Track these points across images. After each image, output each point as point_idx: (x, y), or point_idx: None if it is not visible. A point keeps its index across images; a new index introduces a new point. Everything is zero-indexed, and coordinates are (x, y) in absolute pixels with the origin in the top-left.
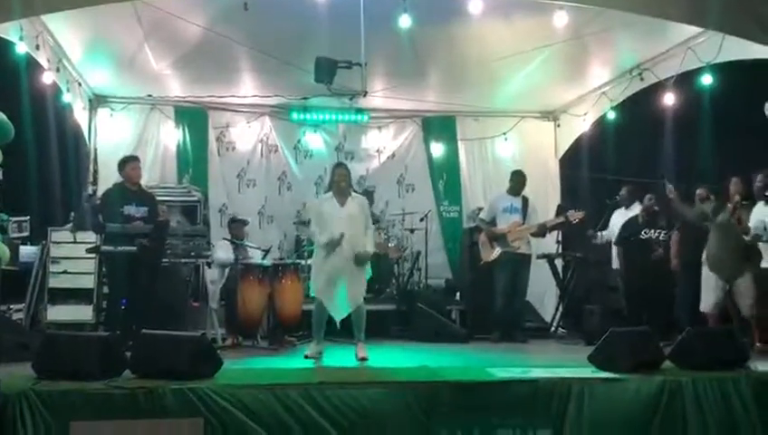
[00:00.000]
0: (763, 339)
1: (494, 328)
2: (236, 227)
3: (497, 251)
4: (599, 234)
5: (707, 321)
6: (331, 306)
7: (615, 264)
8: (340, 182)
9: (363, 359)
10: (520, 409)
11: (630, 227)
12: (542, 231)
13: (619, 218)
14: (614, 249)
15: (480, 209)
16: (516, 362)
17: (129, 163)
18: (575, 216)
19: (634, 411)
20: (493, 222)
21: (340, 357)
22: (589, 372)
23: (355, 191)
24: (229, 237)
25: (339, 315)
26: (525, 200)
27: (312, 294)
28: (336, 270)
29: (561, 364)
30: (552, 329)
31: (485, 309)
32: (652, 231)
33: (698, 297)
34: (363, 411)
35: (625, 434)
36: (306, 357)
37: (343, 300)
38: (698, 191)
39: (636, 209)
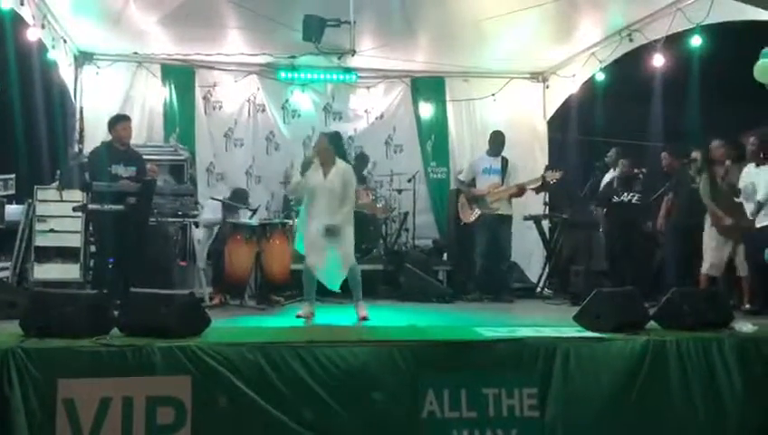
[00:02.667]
0: (752, 300)
1: (473, 288)
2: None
3: (476, 212)
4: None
5: (698, 283)
6: (322, 276)
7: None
8: (318, 154)
9: (364, 318)
10: (506, 367)
11: (607, 189)
12: (520, 192)
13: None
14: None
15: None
16: (503, 321)
17: (120, 123)
18: (552, 176)
19: (618, 371)
20: (472, 183)
21: (331, 317)
22: (574, 331)
23: (346, 160)
24: (220, 197)
25: (334, 285)
26: (505, 161)
27: (300, 250)
28: (321, 237)
29: (546, 324)
30: (539, 289)
31: (467, 269)
32: (625, 194)
33: (688, 260)
34: (351, 370)
35: (609, 393)
36: (298, 317)
37: (335, 268)
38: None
39: None
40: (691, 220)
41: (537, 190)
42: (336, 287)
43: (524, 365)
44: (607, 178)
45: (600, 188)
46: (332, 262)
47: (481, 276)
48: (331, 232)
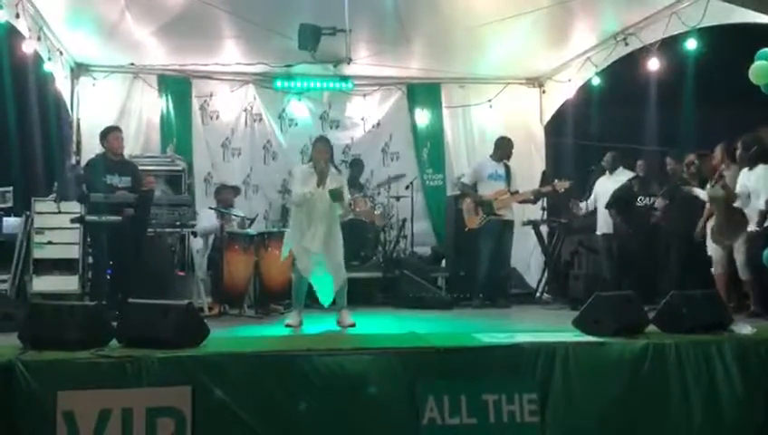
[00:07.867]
0: (753, 302)
1: (475, 294)
2: (225, 194)
3: (482, 218)
4: (581, 205)
5: (712, 285)
6: (315, 284)
7: (600, 229)
8: (319, 160)
9: (351, 325)
10: (506, 373)
11: (625, 192)
12: (537, 197)
13: (603, 184)
14: (600, 215)
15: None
16: (502, 327)
17: (110, 133)
18: (562, 185)
19: (618, 375)
20: (474, 188)
21: (323, 324)
22: (573, 336)
23: (335, 166)
24: (215, 206)
25: (326, 300)
26: (508, 167)
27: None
28: (314, 247)
29: (546, 329)
30: (538, 295)
31: (470, 276)
32: (647, 199)
33: (690, 266)
34: (350, 378)
35: (608, 397)
36: (287, 326)
37: (327, 280)
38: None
39: (620, 175)
40: (688, 228)
41: (546, 197)
42: (327, 303)
43: (524, 371)
44: (601, 181)
45: (604, 191)
46: (324, 274)
47: (484, 282)
48: (336, 196)
